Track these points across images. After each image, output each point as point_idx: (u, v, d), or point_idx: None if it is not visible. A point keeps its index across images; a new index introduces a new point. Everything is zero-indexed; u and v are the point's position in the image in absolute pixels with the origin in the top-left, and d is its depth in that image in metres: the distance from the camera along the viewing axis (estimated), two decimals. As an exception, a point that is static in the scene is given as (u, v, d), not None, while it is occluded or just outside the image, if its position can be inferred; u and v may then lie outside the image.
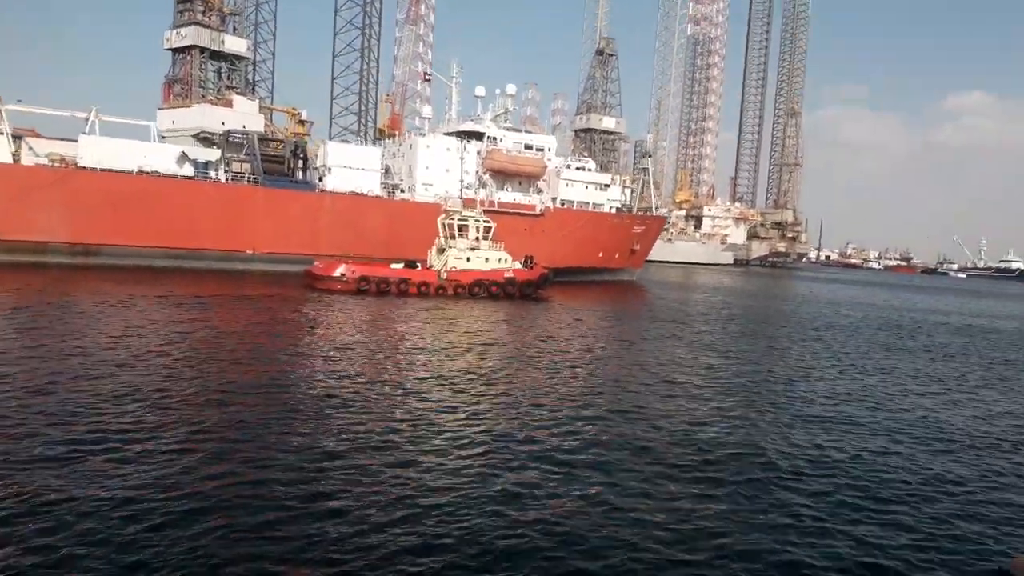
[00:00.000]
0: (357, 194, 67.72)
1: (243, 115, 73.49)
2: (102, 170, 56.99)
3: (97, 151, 57.33)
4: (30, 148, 57.12)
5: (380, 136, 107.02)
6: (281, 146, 65.63)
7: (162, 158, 59.71)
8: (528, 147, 78.89)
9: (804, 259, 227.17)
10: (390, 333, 34.44)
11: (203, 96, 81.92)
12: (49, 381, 20.49)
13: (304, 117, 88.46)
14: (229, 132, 65.23)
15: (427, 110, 76.16)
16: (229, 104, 76.10)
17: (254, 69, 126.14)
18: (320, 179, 67.66)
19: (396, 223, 67.54)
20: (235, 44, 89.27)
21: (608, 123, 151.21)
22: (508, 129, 78.27)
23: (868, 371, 33.18)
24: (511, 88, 79.03)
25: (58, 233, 55.21)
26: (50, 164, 56.61)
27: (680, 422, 20.91)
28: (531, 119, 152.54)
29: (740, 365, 32.31)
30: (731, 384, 27.52)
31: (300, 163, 66.17)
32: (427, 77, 78.96)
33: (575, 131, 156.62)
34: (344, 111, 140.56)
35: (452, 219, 55.11)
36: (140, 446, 15.60)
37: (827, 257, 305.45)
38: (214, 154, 62.69)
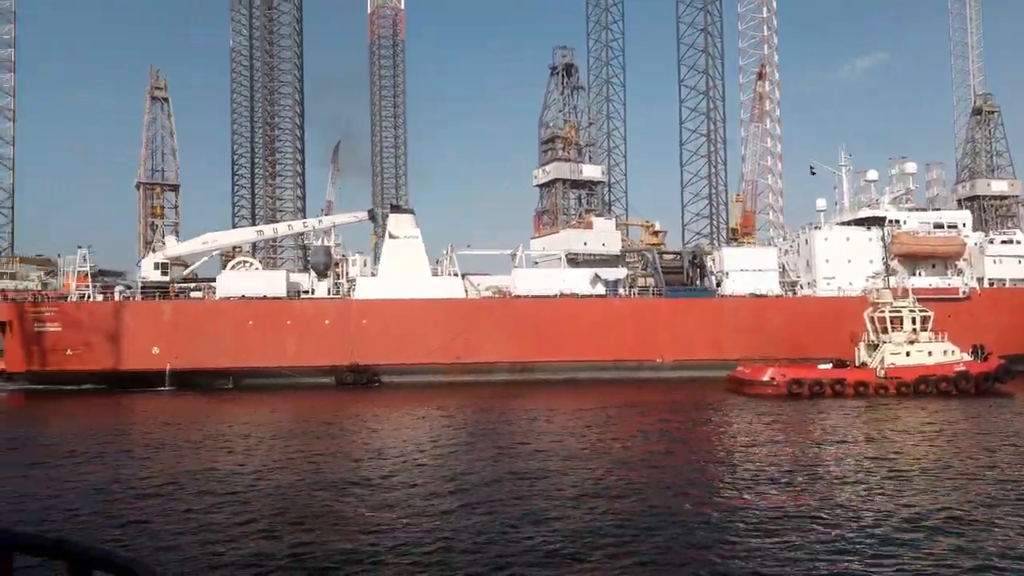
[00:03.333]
0: (756, 295, 67.35)
1: (602, 234, 78.58)
2: (532, 297, 64.67)
3: (526, 281, 65.44)
4: (476, 285, 67.34)
5: (733, 236, 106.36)
6: (678, 257, 68.61)
7: (578, 281, 66.06)
8: (939, 225, 71.89)
9: None
10: (855, 438, 32.58)
11: (567, 222, 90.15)
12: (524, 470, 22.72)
13: (657, 228, 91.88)
14: (626, 251, 70.17)
15: (821, 202, 74.22)
16: (590, 226, 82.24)
17: (609, 190, 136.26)
18: (718, 284, 68.79)
19: (799, 321, 65.32)
20: (592, 171, 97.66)
21: (999, 187, 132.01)
22: (911, 209, 72.43)
23: None
24: (910, 167, 73.59)
25: (501, 354, 63.22)
26: (492, 296, 65.97)
27: None
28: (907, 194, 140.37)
29: None
30: None
31: (698, 271, 68.20)
32: (813, 171, 77.14)
33: (957, 200, 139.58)
34: (696, 216, 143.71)
35: (883, 311, 51.44)
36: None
37: None
38: (621, 272, 67.67)
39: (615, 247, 76.97)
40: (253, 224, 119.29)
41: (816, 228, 72.27)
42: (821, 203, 74.73)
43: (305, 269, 72.69)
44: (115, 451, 30.76)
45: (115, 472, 26.06)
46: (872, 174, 73.79)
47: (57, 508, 21.10)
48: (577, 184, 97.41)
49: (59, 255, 66.46)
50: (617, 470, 25.61)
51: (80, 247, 60.22)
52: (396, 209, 63.91)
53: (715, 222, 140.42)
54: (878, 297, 52.64)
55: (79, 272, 59.57)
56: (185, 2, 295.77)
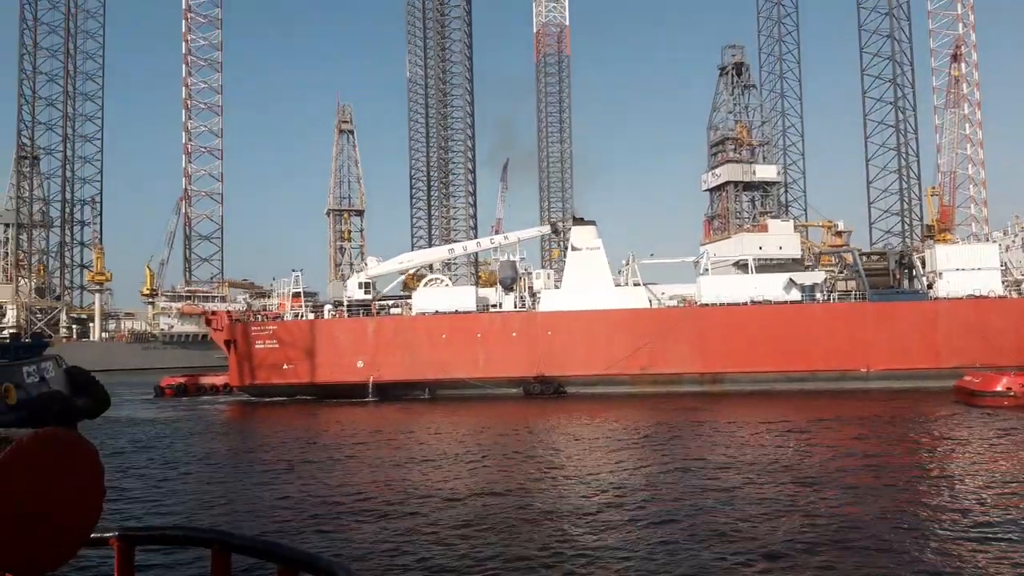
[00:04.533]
0: (976, 297, 60.91)
1: (778, 237, 74.07)
2: (720, 304, 62.39)
3: (714, 288, 63.30)
4: (660, 294, 66.04)
5: (929, 233, 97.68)
6: (883, 258, 63.61)
7: (771, 286, 62.94)
8: None
9: None
10: None
11: (739, 226, 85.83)
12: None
13: (841, 228, 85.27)
14: (821, 252, 66.06)
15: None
16: (764, 229, 77.73)
17: (785, 191, 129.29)
18: (930, 286, 62.98)
19: (1030, 324, 58.33)
20: (766, 172, 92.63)
21: None
22: None
23: None
24: None
25: (689, 364, 61.38)
26: (677, 304, 64.40)
27: None
28: None
29: None
30: None
31: (906, 272, 62.83)
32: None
33: None
34: (884, 213, 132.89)
35: None
36: None
37: None
38: (819, 276, 63.78)
39: (793, 250, 72.75)
40: (429, 243, 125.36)
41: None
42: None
43: (477, 284, 75.01)
44: (322, 459, 31.97)
45: (319, 480, 27.06)
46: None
47: (261, 512, 22.16)
48: (750, 186, 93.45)
49: (273, 279, 73.32)
50: (835, 502, 22.55)
51: (294, 270, 65.99)
52: (578, 221, 64.35)
53: (907, 219, 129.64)
54: None
55: (292, 293, 65.04)
56: (363, 37, 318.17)
